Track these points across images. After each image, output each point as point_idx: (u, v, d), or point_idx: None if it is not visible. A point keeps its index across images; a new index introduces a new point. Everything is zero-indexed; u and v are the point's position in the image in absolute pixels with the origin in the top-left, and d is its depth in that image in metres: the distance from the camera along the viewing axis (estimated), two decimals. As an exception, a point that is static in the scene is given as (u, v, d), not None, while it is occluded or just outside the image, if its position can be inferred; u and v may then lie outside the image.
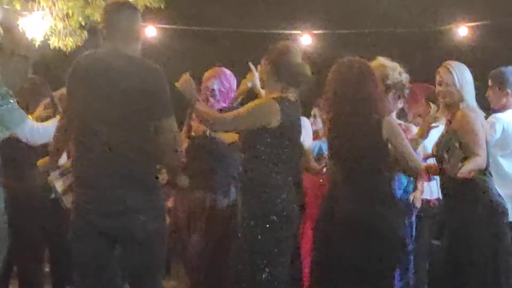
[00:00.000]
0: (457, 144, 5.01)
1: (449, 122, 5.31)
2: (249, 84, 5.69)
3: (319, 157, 5.64)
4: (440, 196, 5.84)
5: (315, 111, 7.27)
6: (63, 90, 4.94)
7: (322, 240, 5.15)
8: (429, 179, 5.58)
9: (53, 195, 5.92)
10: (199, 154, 5.64)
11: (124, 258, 4.24)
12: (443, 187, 5.36)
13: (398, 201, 5.30)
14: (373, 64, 5.40)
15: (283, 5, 12.74)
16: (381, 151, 5.02)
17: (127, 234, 4.13)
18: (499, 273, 5.14)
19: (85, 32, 9.91)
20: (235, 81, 5.89)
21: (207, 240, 5.62)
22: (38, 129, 5.11)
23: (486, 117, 5.61)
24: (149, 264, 4.24)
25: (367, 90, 5.04)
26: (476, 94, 5.35)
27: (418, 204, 6.28)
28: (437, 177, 5.50)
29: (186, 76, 4.76)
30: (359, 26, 12.49)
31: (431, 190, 6.64)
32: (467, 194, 5.13)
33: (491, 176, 5.26)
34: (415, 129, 5.78)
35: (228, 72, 5.85)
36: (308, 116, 7.22)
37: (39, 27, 9.46)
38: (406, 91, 5.54)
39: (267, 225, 4.75)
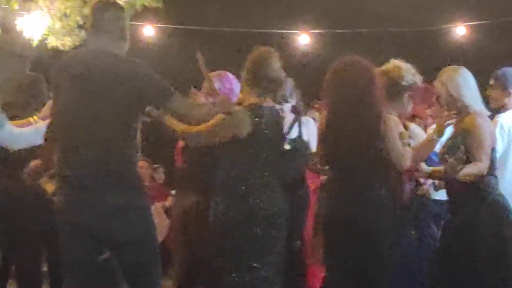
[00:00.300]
0: (462, 147, 5.02)
1: (456, 125, 5.31)
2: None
3: None
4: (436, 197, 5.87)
5: (314, 114, 7.27)
6: None
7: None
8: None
9: (48, 196, 5.94)
10: (195, 156, 5.64)
11: (116, 260, 4.20)
12: (448, 188, 5.37)
13: (390, 203, 5.28)
14: (387, 66, 5.41)
15: (282, 4, 12.74)
16: (378, 151, 5.04)
17: (113, 236, 4.10)
18: (505, 273, 5.14)
19: (83, 32, 9.89)
20: (238, 84, 5.89)
21: (200, 242, 5.63)
22: (17, 134, 5.09)
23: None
24: (141, 264, 4.22)
25: (367, 88, 5.04)
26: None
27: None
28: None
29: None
30: (357, 26, 12.49)
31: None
32: (472, 196, 5.12)
33: (496, 178, 5.26)
34: (418, 129, 5.78)
35: (231, 75, 5.86)
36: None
37: (37, 26, 9.45)
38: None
39: (246, 226, 4.80)
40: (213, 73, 5.88)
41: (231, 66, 5.75)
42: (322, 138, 5.15)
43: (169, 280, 7.02)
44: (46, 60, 10.71)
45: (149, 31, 12.28)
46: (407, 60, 5.61)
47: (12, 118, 5.07)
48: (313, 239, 6.11)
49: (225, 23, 12.45)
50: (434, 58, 6.28)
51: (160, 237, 6.69)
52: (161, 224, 6.56)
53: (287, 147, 6.24)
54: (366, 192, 5.03)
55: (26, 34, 9.45)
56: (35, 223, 5.92)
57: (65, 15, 9.75)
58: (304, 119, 6.48)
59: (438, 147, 5.51)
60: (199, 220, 5.49)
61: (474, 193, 5.11)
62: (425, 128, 6.42)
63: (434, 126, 5.62)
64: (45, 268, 6.66)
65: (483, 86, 6.24)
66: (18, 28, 9.44)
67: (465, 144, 5.07)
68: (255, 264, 4.85)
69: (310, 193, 6.46)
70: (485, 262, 5.09)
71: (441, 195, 6.01)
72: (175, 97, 4.22)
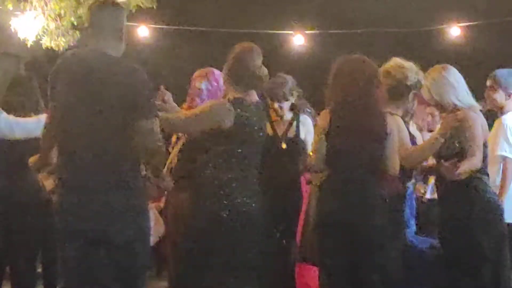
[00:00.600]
0: (457, 144, 5.05)
1: (448, 123, 5.31)
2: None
3: None
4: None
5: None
6: None
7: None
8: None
9: (46, 195, 5.92)
10: (185, 155, 5.64)
11: (107, 259, 4.19)
12: (438, 186, 5.38)
13: (388, 203, 5.29)
14: (390, 64, 5.41)
15: (276, 5, 12.74)
16: (380, 150, 5.07)
17: (108, 237, 4.09)
18: (498, 271, 5.16)
19: (77, 32, 9.88)
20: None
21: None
22: (14, 123, 5.08)
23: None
24: (131, 267, 4.22)
25: (370, 87, 5.07)
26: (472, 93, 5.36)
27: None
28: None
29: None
30: (351, 26, 12.49)
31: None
32: (463, 194, 5.13)
33: (487, 176, 5.27)
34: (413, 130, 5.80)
35: (217, 72, 5.84)
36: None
37: (31, 27, 9.43)
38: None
39: (218, 223, 4.81)
40: (199, 72, 5.88)
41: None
42: (325, 137, 5.14)
43: (164, 281, 7.03)
44: (40, 61, 10.73)
45: (143, 31, 12.27)
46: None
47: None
48: (303, 238, 6.12)
49: (220, 23, 12.44)
50: (428, 58, 6.27)
51: (155, 239, 6.70)
52: (157, 226, 6.53)
53: (283, 146, 6.25)
54: (366, 192, 5.05)
55: (21, 35, 9.44)
56: (30, 224, 5.90)
57: (59, 15, 9.73)
58: (302, 117, 6.47)
59: None
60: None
61: (466, 191, 5.12)
62: (420, 129, 6.44)
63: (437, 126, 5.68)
64: (39, 269, 6.67)
65: (477, 86, 6.24)
66: (12, 28, 9.42)
67: (458, 139, 5.09)
68: (232, 261, 4.87)
69: (303, 194, 6.46)
70: (478, 261, 5.11)
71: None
72: (151, 121, 4.16)
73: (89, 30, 4.33)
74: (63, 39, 9.78)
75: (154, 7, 10.21)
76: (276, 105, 6.33)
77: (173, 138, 5.77)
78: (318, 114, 6.53)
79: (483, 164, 5.17)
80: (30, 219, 5.86)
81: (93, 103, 4.09)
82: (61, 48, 9.72)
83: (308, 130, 6.46)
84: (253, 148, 5.00)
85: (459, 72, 5.35)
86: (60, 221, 4.17)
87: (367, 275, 5.05)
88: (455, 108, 5.21)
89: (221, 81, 5.85)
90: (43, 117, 5.12)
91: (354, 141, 5.04)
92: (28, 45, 9.68)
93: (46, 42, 9.76)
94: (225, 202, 4.84)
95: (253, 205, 4.94)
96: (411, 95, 5.47)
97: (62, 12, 9.70)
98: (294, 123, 6.36)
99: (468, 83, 5.35)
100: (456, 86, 5.26)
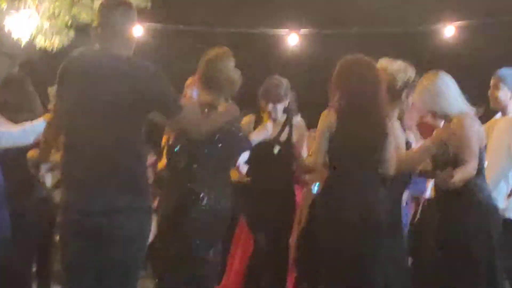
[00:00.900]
0: (451, 152, 5.08)
1: (442, 130, 5.33)
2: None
3: None
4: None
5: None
6: None
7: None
8: None
9: (44, 192, 5.90)
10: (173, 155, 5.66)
11: (101, 255, 4.19)
12: (435, 189, 5.39)
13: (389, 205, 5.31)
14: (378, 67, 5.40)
15: (271, 4, 12.72)
16: (383, 152, 5.13)
17: (109, 234, 4.09)
18: (495, 273, 5.17)
19: (72, 32, 9.86)
20: None
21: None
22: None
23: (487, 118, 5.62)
24: (129, 264, 4.22)
25: (375, 88, 5.11)
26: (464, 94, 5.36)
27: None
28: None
29: None
30: (346, 26, 12.49)
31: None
32: (459, 199, 5.14)
33: (484, 178, 5.28)
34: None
35: None
36: (305, 117, 7.21)
37: (25, 26, 9.41)
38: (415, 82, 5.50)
39: (184, 220, 4.93)
40: (191, 78, 5.87)
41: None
42: (330, 138, 5.15)
43: (147, 279, 7.04)
44: (34, 60, 10.70)
45: (138, 31, 12.25)
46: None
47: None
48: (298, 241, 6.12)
49: (214, 22, 12.42)
50: (423, 58, 6.28)
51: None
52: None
53: (276, 150, 6.24)
54: (368, 193, 5.09)
55: (15, 34, 9.41)
56: (26, 223, 5.89)
57: (53, 15, 9.71)
58: (295, 121, 6.47)
59: None
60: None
61: (462, 195, 5.12)
62: (409, 127, 6.45)
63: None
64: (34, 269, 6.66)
65: (472, 86, 6.24)
66: (6, 28, 9.40)
67: (453, 146, 5.10)
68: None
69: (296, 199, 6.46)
70: (475, 264, 5.12)
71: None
72: (183, 111, 4.27)
73: (98, 29, 4.31)
74: (57, 39, 9.76)
75: (148, 6, 10.20)
76: (270, 107, 6.32)
77: (164, 140, 5.75)
78: (312, 114, 6.53)
79: (480, 167, 5.17)
80: (26, 219, 5.84)
81: (101, 102, 4.09)
82: (55, 48, 9.71)
83: (300, 133, 6.44)
84: (223, 153, 5.06)
85: (455, 72, 5.36)
86: (63, 217, 4.18)
87: (367, 275, 5.08)
88: (447, 116, 5.24)
89: None
90: (29, 126, 5.12)
91: (359, 142, 5.07)
92: (22, 45, 9.66)
93: (40, 41, 9.75)
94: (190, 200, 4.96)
95: (218, 207, 5.02)
96: (404, 94, 5.48)
97: (56, 11, 9.68)
98: (287, 126, 6.36)
99: (463, 83, 5.36)
100: (448, 95, 5.28)
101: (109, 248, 4.13)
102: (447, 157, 5.13)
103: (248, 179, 6.25)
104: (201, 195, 4.94)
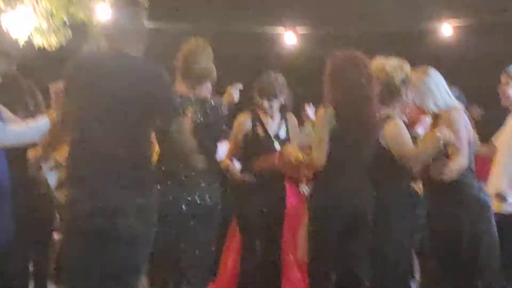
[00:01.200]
0: (442, 146, 5.10)
1: (432, 125, 5.36)
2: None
3: None
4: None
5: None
6: (58, 83, 4.86)
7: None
8: None
9: (43, 190, 5.90)
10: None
11: (106, 255, 4.20)
12: (425, 185, 5.43)
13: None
14: (373, 69, 5.40)
15: (267, 2, 12.71)
16: (378, 147, 5.31)
17: (115, 233, 4.10)
18: (480, 268, 5.20)
19: (69, 31, 9.85)
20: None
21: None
22: (7, 130, 5.05)
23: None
24: (130, 264, 4.23)
25: (368, 83, 5.17)
26: (463, 94, 5.39)
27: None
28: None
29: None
30: (344, 25, 12.48)
31: None
32: (450, 192, 5.17)
33: (474, 172, 5.31)
34: None
35: None
36: (301, 116, 7.22)
37: (23, 25, 9.40)
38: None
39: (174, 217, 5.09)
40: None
41: (217, 65, 5.75)
42: (330, 134, 5.19)
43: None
44: (31, 59, 10.69)
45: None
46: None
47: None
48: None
49: (211, 21, 12.41)
50: (420, 57, 6.28)
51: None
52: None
53: (277, 147, 6.23)
54: (360, 186, 5.16)
55: (12, 34, 9.40)
56: (24, 222, 5.88)
57: (51, 14, 9.69)
58: (288, 116, 6.45)
59: None
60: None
61: (452, 189, 5.16)
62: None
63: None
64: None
65: (468, 85, 6.26)
66: (4, 27, 9.38)
67: (444, 140, 5.13)
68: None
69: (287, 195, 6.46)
70: (465, 257, 5.17)
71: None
72: (176, 120, 4.27)
73: (109, 28, 4.31)
74: (55, 38, 9.74)
75: (146, 5, 10.18)
76: (265, 103, 6.29)
77: None
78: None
79: (469, 161, 5.26)
80: (24, 218, 5.83)
81: (110, 101, 4.10)
82: (53, 47, 9.70)
83: (295, 130, 6.44)
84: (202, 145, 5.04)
85: (452, 71, 5.39)
86: (69, 216, 4.18)
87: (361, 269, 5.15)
88: (435, 113, 5.28)
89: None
90: (33, 124, 5.12)
91: (356, 137, 5.13)
92: (20, 44, 9.64)
93: (37, 40, 9.73)
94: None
95: (202, 202, 5.14)
96: (403, 90, 5.49)
97: (54, 10, 9.66)
98: (283, 123, 6.35)
99: (460, 82, 5.38)
100: (436, 93, 5.32)
101: (115, 247, 4.14)
102: (439, 152, 5.16)
103: (247, 177, 6.21)
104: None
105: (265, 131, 6.32)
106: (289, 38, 12.71)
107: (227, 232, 6.92)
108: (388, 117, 5.34)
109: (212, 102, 5.27)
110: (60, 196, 4.52)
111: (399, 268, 5.38)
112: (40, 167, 4.79)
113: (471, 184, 5.27)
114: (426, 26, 12.32)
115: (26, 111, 5.99)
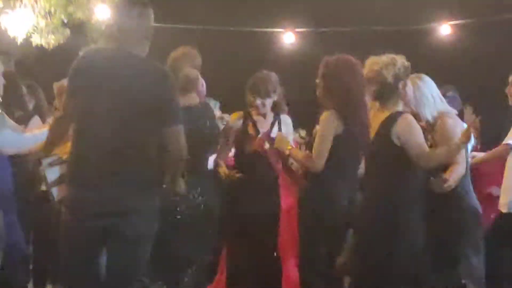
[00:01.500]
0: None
1: (426, 132, 5.36)
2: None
3: None
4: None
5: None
6: (62, 82, 4.85)
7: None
8: None
9: (43, 187, 5.90)
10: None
11: (107, 255, 4.20)
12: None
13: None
14: (366, 70, 5.37)
15: (267, 2, 12.72)
16: (377, 147, 5.20)
17: (116, 234, 4.09)
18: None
19: (68, 30, 9.85)
20: (204, 86, 5.86)
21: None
22: (15, 139, 5.04)
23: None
24: (130, 264, 4.21)
25: (359, 87, 5.20)
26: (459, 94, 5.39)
27: None
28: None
29: None
30: (342, 24, 12.49)
31: None
32: (446, 198, 5.18)
33: (469, 179, 5.32)
34: None
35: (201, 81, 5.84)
36: (299, 116, 7.19)
37: (21, 24, 9.40)
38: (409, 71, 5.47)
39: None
40: None
41: (212, 64, 5.75)
42: (334, 138, 5.21)
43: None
44: (30, 58, 10.69)
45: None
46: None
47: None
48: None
49: (210, 21, 12.42)
50: (418, 57, 6.27)
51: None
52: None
53: (266, 147, 6.19)
54: (357, 192, 5.19)
55: (11, 33, 9.40)
56: (22, 221, 5.88)
57: (49, 13, 9.70)
58: (282, 117, 6.40)
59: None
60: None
61: (449, 195, 5.16)
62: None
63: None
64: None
65: (467, 84, 6.26)
66: (2, 26, 9.38)
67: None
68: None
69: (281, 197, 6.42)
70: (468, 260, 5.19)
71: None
72: (179, 128, 4.18)
73: (114, 27, 4.29)
74: (53, 37, 9.75)
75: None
76: (258, 102, 6.22)
77: None
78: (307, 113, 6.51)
79: (466, 167, 5.26)
80: (22, 217, 5.84)
81: (115, 100, 4.07)
82: (51, 46, 9.70)
83: (288, 130, 6.39)
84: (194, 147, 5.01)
85: (450, 71, 5.40)
86: (70, 217, 4.16)
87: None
88: (428, 120, 5.28)
89: (203, 89, 5.86)
90: (38, 132, 5.09)
91: (358, 140, 5.15)
92: (18, 43, 9.65)
93: (35, 39, 9.73)
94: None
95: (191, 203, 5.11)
96: (400, 85, 5.45)
97: (52, 9, 9.67)
98: (276, 123, 6.31)
99: (458, 82, 5.38)
100: (431, 101, 5.32)
101: (115, 248, 4.14)
102: (441, 176, 5.15)
103: (239, 174, 6.17)
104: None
105: (256, 130, 6.25)
106: (288, 37, 12.73)
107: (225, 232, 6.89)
108: (397, 112, 5.27)
109: (200, 109, 5.29)
110: (57, 193, 4.49)
111: (410, 270, 5.34)
112: (40, 162, 4.78)
113: (467, 190, 5.28)
114: (424, 25, 12.33)
115: (23, 108, 5.98)
